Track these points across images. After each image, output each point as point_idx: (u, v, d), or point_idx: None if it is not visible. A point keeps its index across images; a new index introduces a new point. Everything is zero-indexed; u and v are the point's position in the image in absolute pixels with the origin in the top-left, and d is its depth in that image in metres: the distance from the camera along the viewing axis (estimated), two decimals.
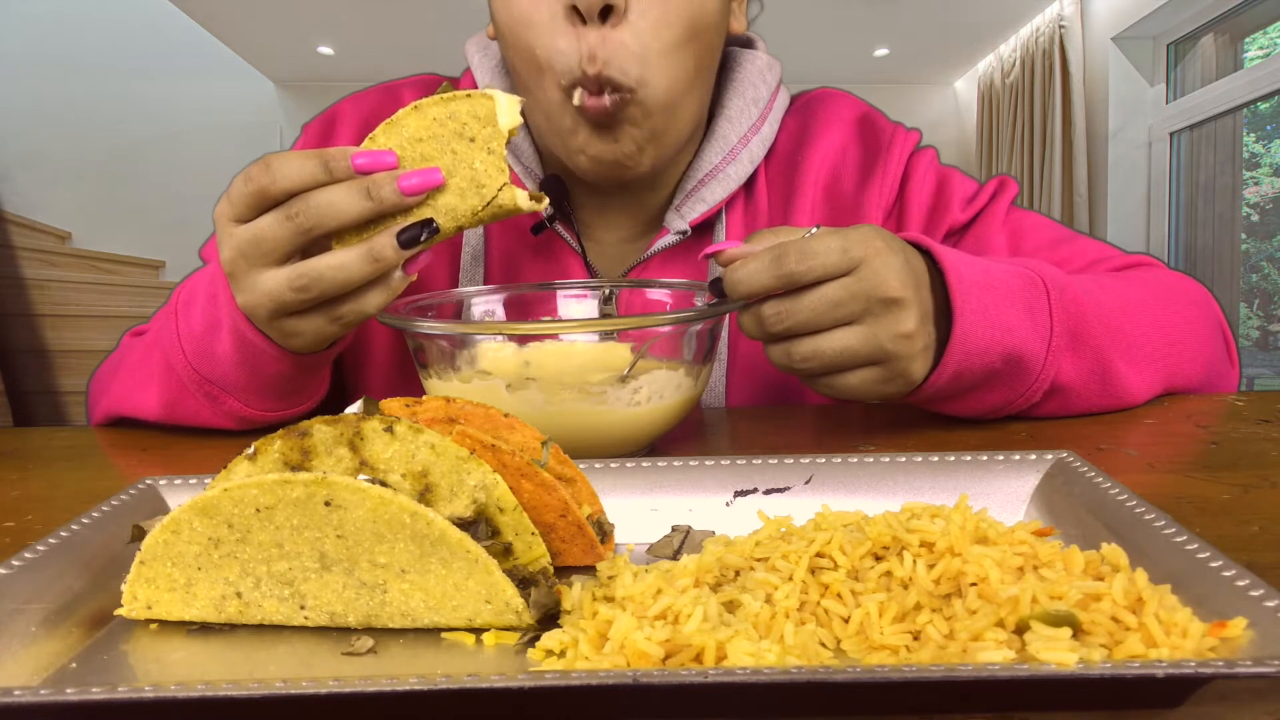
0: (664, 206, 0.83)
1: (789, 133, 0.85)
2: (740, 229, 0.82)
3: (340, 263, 0.55)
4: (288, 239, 0.55)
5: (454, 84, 0.87)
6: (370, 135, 0.55)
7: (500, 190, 0.54)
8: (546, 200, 0.56)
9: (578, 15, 0.66)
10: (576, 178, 0.80)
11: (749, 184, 0.83)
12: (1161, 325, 0.69)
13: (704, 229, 0.82)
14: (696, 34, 0.69)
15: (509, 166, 0.55)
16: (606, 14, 0.66)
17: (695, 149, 0.82)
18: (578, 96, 0.68)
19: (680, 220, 0.80)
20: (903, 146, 0.84)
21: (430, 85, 0.88)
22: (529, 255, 0.83)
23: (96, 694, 0.27)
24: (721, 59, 0.81)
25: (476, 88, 0.83)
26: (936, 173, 0.83)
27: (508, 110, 0.54)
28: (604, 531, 0.43)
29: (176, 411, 0.69)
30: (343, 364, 0.87)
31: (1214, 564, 0.33)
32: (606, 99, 0.68)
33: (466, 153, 0.54)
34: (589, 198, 0.83)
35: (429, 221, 0.55)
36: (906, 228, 0.81)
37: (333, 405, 0.91)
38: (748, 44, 0.87)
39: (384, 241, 0.55)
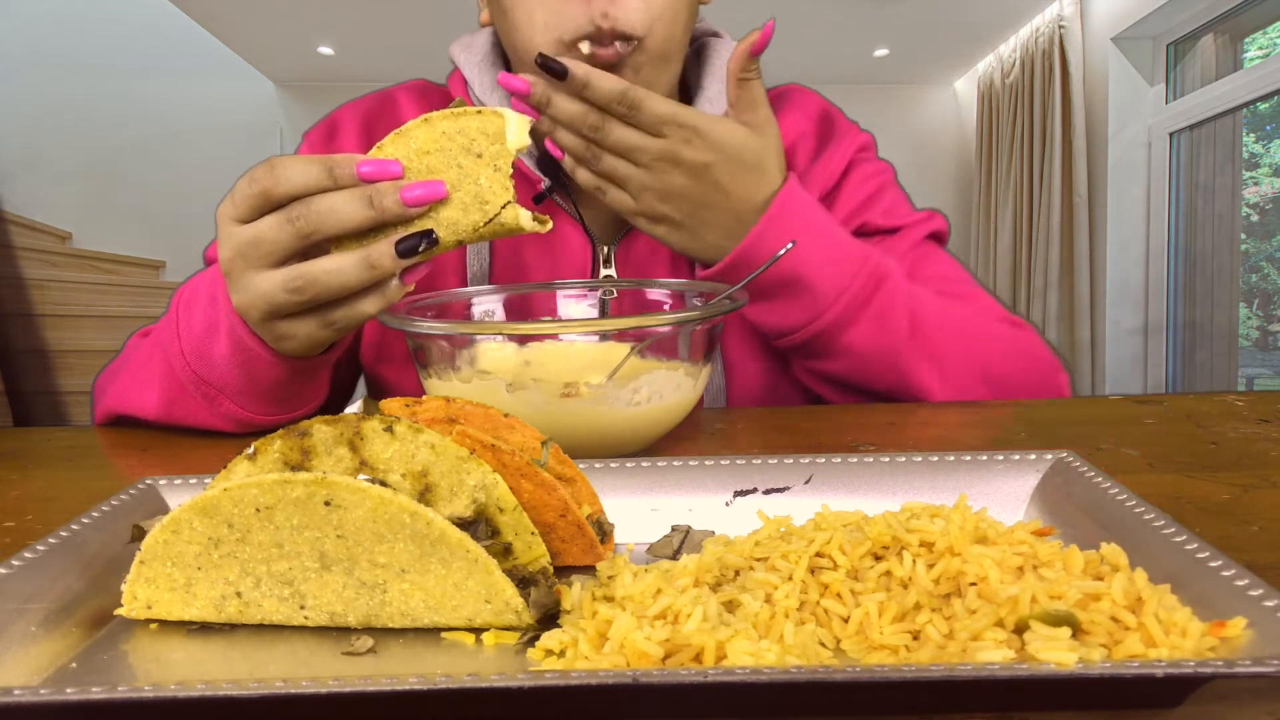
0: None
1: None
2: None
3: (336, 267, 0.56)
4: (287, 242, 0.55)
5: (448, 92, 0.88)
6: (378, 144, 0.55)
7: (503, 208, 0.55)
8: (550, 221, 0.57)
9: None
10: None
11: None
12: (970, 352, 0.77)
13: None
14: None
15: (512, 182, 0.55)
16: None
17: None
18: (586, 47, 0.71)
19: None
20: (852, 140, 0.89)
21: (423, 91, 0.91)
22: None
23: (96, 694, 0.27)
24: (698, 47, 0.88)
25: (465, 86, 0.86)
26: (880, 181, 0.89)
27: (517, 129, 0.54)
28: (604, 531, 0.43)
29: (175, 412, 0.69)
30: (360, 360, 0.88)
31: (1214, 564, 0.33)
32: (617, 46, 0.71)
33: (472, 168, 0.54)
34: None
35: (428, 232, 0.55)
36: (833, 212, 0.86)
37: (347, 403, 0.92)
38: (716, 36, 0.91)
39: (382, 249, 0.55)
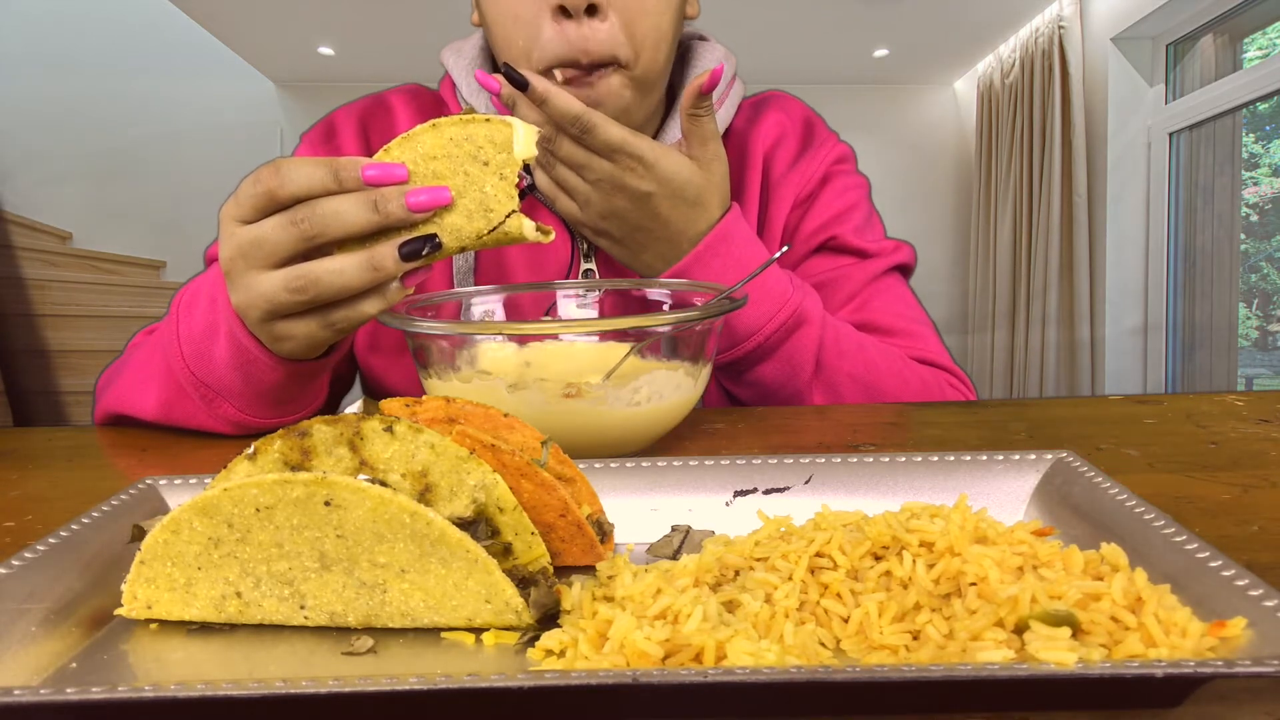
0: None
1: (744, 117, 0.93)
2: None
3: (339, 267, 0.56)
4: (290, 243, 0.55)
5: (440, 95, 0.89)
6: (385, 148, 0.55)
7: (508, 217, 0.55)
8: (553, 232, 0.57)
9: (563, 13, 0.72)
10: None
11: None
12: (871, 392, 0.80)
13: None
14: (670, 18, 0.78)
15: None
16: (591, 11, 0.72)
17: (659, 124, 0.89)
18: (560, 75, 0.74)
19: None
20: (831, 149, 0.92)
21: (415, 94, 0.93)
22: None
23: (96, 694, 0.27)
24: (682, 50, 0.91)
25: (455, 91, 0.88)
26: (856, 196, 0.91)
27: (524, 139, 0.54)
28: (604, 531, 0.43)
29: (173, 413, 0.69)
30: (358, 358, 0.89)
31: (1214, 564, 0.33)
32: (601, 69, 0.74)
33: (479, 176, 0.54)
34: None
35: (432, 237, 0.55)
36: (805, 221, 0.89)
37: (345, 395, 0.93)
38: (702, 39, 0.94)
39: (385, 251, 0.55)
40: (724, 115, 0.89)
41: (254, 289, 0.58)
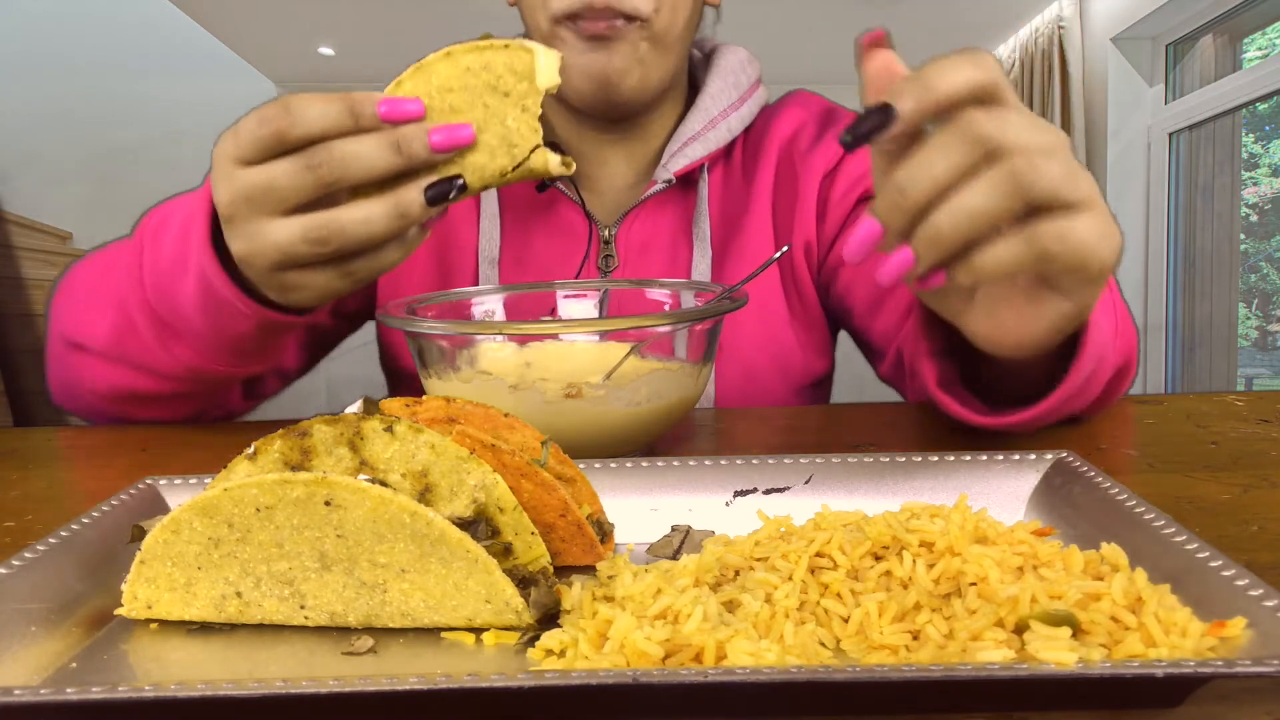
0: (652, 165, 0.92)
1: (765, 116, 0.95)
2: (719, 186, 0.91)
3: (365, 216, 0.51)
4: (307, 189, 0.51)
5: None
6: (397, 80, 0.52)
7: (532, 152, 0.51)
8: (574, 163, 0.53)
9: None
10: (574, 128, 0.88)
11: (728, 152, 0.92)
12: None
13: (688, 182, 0.90)
14: None
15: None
16: None
17: (679, 116, 0.91)
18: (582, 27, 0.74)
19: (666, 172, 0.87)
20: None
21: None
22: (539, 209, 0.89)
23: (96, 694, 0.27)
24: (707, 53, 0.94)
25: None
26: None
27: (546, 67, 0.50)
28: (604, 531, 0.43)
29: (125, 345, 0.65)
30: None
31: (1213, 564, 0.33)
32: (617, 23, 0.74)
33: (499, 108, 0.51)
34: (590, 149, 0.90)
35: (457, 178, 0.52)
36: (835, 186, 0.89)
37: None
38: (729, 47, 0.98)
39: (411, 197, 0.51)
40: (746, 113, 0.91)
41: (264, 237, 0.52)
